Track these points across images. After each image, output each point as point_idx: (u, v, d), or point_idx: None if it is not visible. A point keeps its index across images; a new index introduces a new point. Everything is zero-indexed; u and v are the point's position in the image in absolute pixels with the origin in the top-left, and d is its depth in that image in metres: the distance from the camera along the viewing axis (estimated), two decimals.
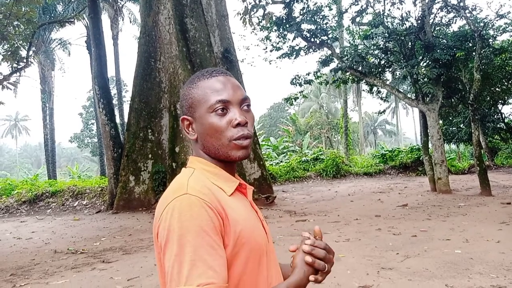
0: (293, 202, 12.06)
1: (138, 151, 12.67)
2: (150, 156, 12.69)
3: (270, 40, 14.31)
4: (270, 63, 16.19)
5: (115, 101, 22.87)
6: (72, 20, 18.78)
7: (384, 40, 13.99)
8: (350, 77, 15.06)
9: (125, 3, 27.21)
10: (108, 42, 16.44)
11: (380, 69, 14.07)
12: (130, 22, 27.81)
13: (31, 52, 13.07)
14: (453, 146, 27.23)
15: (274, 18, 12.74)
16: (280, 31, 13.53)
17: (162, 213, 0.93)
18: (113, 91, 26.23)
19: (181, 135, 12.18)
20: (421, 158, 17.05)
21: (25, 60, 11.69)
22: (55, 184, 15.76)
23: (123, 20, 27.53)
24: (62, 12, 23.79)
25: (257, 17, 12.92)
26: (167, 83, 12.84)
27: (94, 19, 13.87)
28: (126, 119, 18.14)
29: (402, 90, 16.69)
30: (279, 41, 14.11)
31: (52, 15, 23.54)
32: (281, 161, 22.87)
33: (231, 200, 1.01)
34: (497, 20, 13.10)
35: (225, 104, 1.03)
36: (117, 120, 16.85)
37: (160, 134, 12.85)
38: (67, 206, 13.52)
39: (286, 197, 13.51)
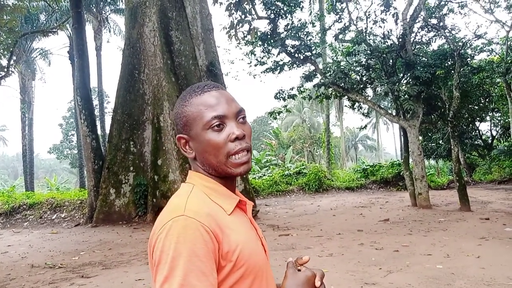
0: (276, 216, 12.04)
1: (119, 164, 12.50)
2: (131, 168, 12.53)
3: (255, 55, 14.43)
4: (254, 77, 16.32)
5: (96, 112, 22.57)
6: (56, 30, 18.59)
7: (366, 57, 14.28)
8: (333, 93, 15.26)
9: (109, 14, 27.12)
10: (91, 53, 16.31)
11: (362, 86, 14.31)
12: (114, 33, 27.68)
13: (12, 62, 12.85)
14: (432, 162, 27.71)
15: (259, 33, 12.87)
16: (265, 46, 13.67)
17: (158, 233, 0.92)
18: (95, 102, 25.93)
19: (163, 148, 12.09)
20: (401, 173, 17.29)
21: (5, 70, 11.48)
22: (32, 196, 15.35)
23: (109, 31, 27.38)
24: (44, 21, 23.52)
25: (243, 32, 13.05)
26: (151, 95, 12.77)
27: (78, 30, 13.76)
28: (107, 131, 17.93)
29: (383, 106, 16.98)
30: (264, 56, 14.23)
31: (35, 24, 23.25)
32: (264, 175, 22.88)
33: (230, 220, 0.99)
34: (475, 40, 13.54)
35: (221, 120, 1.00)
36: (99, 131, 16.60)
37: (142, 146, 12.72)
38: (45, 219, 13.18)
39: (269, 211, 13.48)
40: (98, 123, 20.07)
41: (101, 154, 13.19)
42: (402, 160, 16.66)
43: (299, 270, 1.04)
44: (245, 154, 1.02)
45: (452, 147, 12.28)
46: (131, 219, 11.97)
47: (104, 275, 5.87)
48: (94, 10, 25.51)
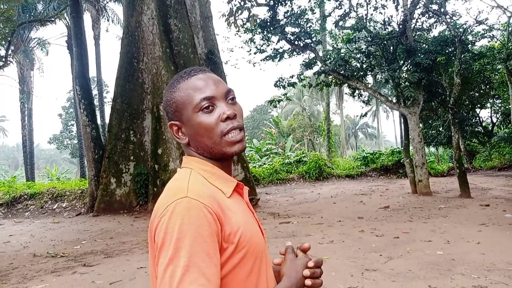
0: (276, 204, 12.07)
1: (119, 153, 12.50)
2: (132, 158, 12.54)
3: (254, 43, 14.33)
4: (254, 66, 16.24)
5: (96, 102, 22.51)
6: (53, 19, 18.43)
7: (366, 44, 14.18)
8: (333, 80, 15.20)
9: (107, 3, 26.87)
10: (89, 42, 16.18)
11: (362, 73, 14.24)
12: (113, 22, 27.44)
13: (10, 51, 12.77)
14: (432, 149, 27.73)
15: (258, 21, 12.75)
16: (264, 34, 13.56)
17: (160, 215, 0.91)
18: (94, 92, 25.84)
19: (163, 137, 12.08)
20: (401, 161, 17.30)
21: (3, 60, 11.41)
22: (33, 186, 15.40)
23: (107, 20, 27.15)
24: (42, 11, 23.31)
25: (242, 19, 12.93)
26: (150, 84, 12.72)
27: (76, 19, 13.64)
28: (107, 120, 17.89)
29: (383, 94, 16.91)
30: (263, 44, 14.13)
31: (32, 14, 23.05)
32: (264, 163, 22.89)
33: (230, 202, 0.99)
34: (476, 26, 13.43)
35: (210, 101, 1.01)
36: (98, 121, 16.58)
37: (142, 135, 12.71)
38: (46, 208, 13.22)
39: (270, 199, 13.52)
40: (97, 113, 20.01)
41: (101, 143, 13.19)
42: (402, 148, 16.67)
43: (297, 256, 1.06)
44: (238, 133, 1.02)
45: (452, 134, 12.26)
46: (132, 208, 12.01)
47: (106, 263, 5.90)
48: None
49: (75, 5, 13.66)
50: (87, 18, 25.57)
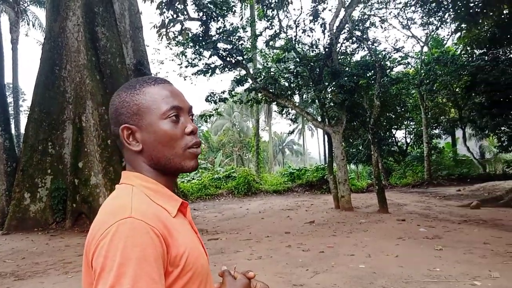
0: (205, 220, 11.91)
1: (35, 166, 11.58)
2: (49, 171, 11.67)
3: (186, 56, 14.21)
4: (185, 79, 16.06)
5: (10, 110, 20.76)
6: None
7: (295, 65, 14.74)
8: (263, 98, 15.52)
9: (28, 6, 25.17)
10: (6, 46, 14.97)
11: (290, 92, 14.72)
12: (33, 26, 25.72)
13: None
14: (353, 166, 29.29)
15: (190, 35, 12.69)
16: (196, 48, 13.52)
17: (99, 237, 0.82)
18: (9, 99, 23.86)
19: (85, 149, 11.41)
20: (325, 177, 18.02)
21: None
22: None
23: (28, 24, 25.37)
24: None
25: (173, 32, 12.77)
26: (73, 93, 12.01)
27: None
28: (22, 131, 16.57)
29: (309, 113, 17.63)
30: (195, 58, 14.07)
31: None
32: (193, 178, 22.57)
33: (175, 222, 0.93)
34: (393, 53, 14.58)
35: (178, 111, 0.98)
36: (12, 131, 15.29)
37: (61, 147, 11.90)
38: None
39: (198, 215, 13.31)
40: (12, 122, 18.46)
41: (14, 155, 12.17)
42: (326, 165, 17.40)
43: (235, 278, 1.05)
44: (198, 149, 1.01)
45: (372, 152, 13.05)
46: (48, 225, 11.12)
47: (17, 287, 5.37)
48: (11, 0, 23.49)
49: None
50: (4, 20, 23.75)
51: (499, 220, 9.51)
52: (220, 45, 13.33)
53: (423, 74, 20.25)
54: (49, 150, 11.77)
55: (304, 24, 14.20)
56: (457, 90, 22.32)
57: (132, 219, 0.83)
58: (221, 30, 13.23)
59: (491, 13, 10.93)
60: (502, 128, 19.31)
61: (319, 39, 15.07)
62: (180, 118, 0.99)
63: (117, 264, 0.77)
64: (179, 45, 13.85)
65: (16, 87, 26.54)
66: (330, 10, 15.68)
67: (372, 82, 13.83)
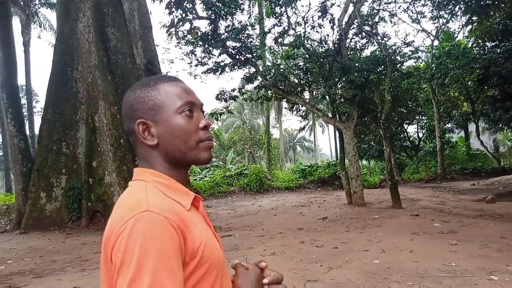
0: (218, 218, 11.97)
1: (50, 166, 11.76)
2: (64, 171, 11.84)
3: (195, 55, 14.25)
4: (195, 78, 16.12)
5: (24, 112, 21.07)
6: None
7: (304, 61, 14.69)
8: (273, 95, 15.51)
9: (39, 8, 25.47)
10: (18, 49, 15.17)
11: (300, 88, 14.69)
12: (45, 28, 26.02)
13: None
14: (365, 162, 29.15)
15: (200, 33, 12.73)
16: (206, 47, 13.55)
17: (118, 232, 0.83)
18: (23, 101, 24.21)
19: (99, 149, 11.55)
20: (337, 173, 17.96)
21: None
22: None
23: (39, 26, 25.68)
24: None
25: (183, 31, 12.82)
26: (85, 94, 12.16)
27: (4, 23, 12.75)
28: (36, 132, 16.82)
29: (320, 109, 17.57)
30: (205, 56, 14.09)
31: None
32: (205, 176, 22.70)
33: (190, 215, 0.95)
34: (404, 48, 14.44)
35: (191, 107, 1.02)
36: (27, 132, 15.54)
37: (75, 147, 12.07)
38: None
39: (211, 212, 13.38)
40: (26, 123, 18.75)
41: (30, 156, 12.36)
42: (337, 161, 17.35)
43: (247, 269, 1.07)
44: (211, 141, 1.05)
45: (384, 148, 12.96)
46: (64, 224, 11.31)
47: (35, 284, 5.47)
48: (22, 3, 23.80)
49: (3, 9, 12.79)
50: (16, 23, 24.04)
51: None
52: (229, 43, 13.35)
53: (434, 68, 20.03)
54: (63, 150, 11.94)
55: (313, 20, 14.13)
56: (469, 83, 22.06)
57: (149, 213, 0.84)
58: (229, 28, 13.23)
59: (502, 5, 10.74)
60: None
61: (328, 35, 15.00)
62: (193, 114, 1.02)
63: (137, 258, 0.78)
64: (188, 44, 13.90)
65: (29, 89, 26.92)
66: (338, 5, 15.57)
67: (383, 77, 13.72)
